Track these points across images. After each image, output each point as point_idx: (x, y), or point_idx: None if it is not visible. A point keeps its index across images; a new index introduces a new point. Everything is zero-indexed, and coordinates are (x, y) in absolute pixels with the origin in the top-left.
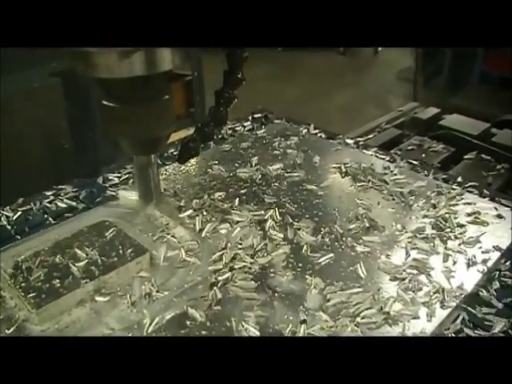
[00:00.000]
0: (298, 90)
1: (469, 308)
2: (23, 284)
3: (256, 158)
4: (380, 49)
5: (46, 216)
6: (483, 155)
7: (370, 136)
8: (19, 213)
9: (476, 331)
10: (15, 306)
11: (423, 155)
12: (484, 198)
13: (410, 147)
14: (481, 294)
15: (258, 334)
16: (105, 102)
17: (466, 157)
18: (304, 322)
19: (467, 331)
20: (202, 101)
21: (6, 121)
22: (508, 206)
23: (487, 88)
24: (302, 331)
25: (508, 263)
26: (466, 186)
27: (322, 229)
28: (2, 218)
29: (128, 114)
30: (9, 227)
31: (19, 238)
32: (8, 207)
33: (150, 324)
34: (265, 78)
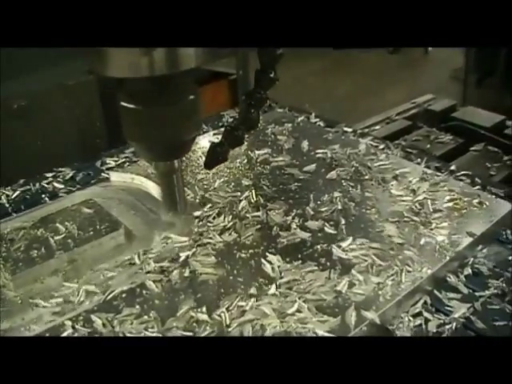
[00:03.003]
0: (347, 88)
1: (434, 292)
2: (4, 254)
3: (246, 143)
4: (431, 48)
5: (43, 196)
6: (491, 147)
7: (377, 127)
8: (17, 192)
9: (435, 315)
10: None
11: (428, 146)
12: (474, 186)
13: (415, 138)
14: (449, 279)
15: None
16: (124, 104)
17: (472, 148)
18: (252, 296)
19: (426, 315)
20: None
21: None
22: (494, 194)
23: None
24: (249, 305)
25: (484, 250)
26: (458, 174)
27: (294, 210)
28: (3, 197)
29: (150, 116)
30: (7, 205)
31: (15, 215)
32: (9, 187)
33: (111, 292)
34: (312, 74)
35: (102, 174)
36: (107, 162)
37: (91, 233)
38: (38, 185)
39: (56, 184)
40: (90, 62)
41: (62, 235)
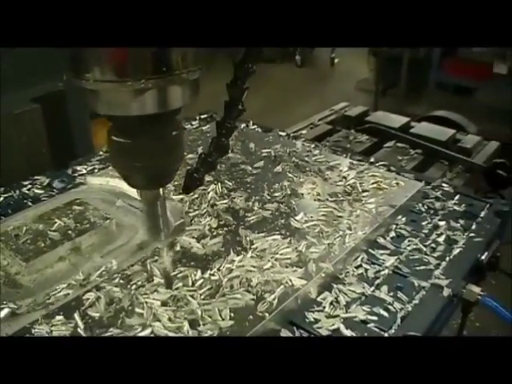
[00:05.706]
0: (260, 103)
1: (369, 250)
2: (14, 246)
3: (201, 147)
4: (336, 60)
5: (25, 201)
6: (400, 144)
7: (303, 132)
8: (1, 198)
9: (372, 266)
10: (7, 264)
11: (348, 145)
12: (390, 172)
13: (336, 139)
14: (379, 240)
15: (199, 274)
16: (114, 138)
17: (385, 145)
18: (233, 261)
19: (365, 266)
20: None
21: None
22: (406, 177)
23: (443, 94)
24: (235, 265)
25: (404, 219)
26: (377, 165)
27: (254, 197)
28: None
29: (140, 149)
30: None
31: (3, 218)
32: None
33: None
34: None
35: (77, 180)
36: (78, 169)
37: (87, 225)
38: (18, 191)
39: (36, 190)
40: (86, 100)
41: (62, 228)
